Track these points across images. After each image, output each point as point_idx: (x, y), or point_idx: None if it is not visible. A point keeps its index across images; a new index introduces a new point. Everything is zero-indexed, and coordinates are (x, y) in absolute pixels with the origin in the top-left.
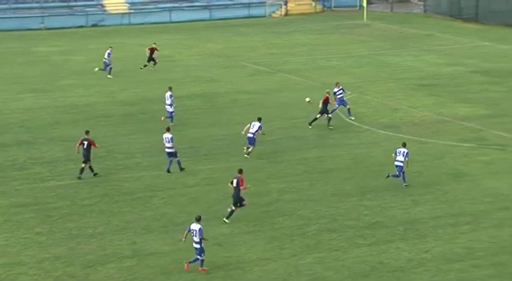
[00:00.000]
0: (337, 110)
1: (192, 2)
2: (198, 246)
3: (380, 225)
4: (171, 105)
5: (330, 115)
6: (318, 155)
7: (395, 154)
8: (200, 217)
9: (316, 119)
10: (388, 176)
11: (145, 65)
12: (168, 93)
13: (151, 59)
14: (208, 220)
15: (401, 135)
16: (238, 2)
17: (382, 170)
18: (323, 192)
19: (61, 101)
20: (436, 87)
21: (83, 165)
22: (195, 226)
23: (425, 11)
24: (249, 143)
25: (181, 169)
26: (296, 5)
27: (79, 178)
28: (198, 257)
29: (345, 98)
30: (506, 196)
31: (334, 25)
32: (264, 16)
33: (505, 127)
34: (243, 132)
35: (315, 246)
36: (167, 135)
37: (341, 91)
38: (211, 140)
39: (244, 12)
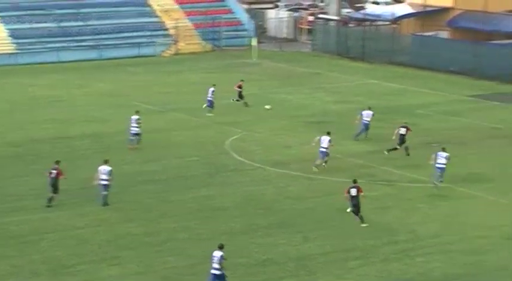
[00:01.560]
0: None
1: (80, 42)
2: (217, 273)
3: (271, 262)
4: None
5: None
6: (208, 193)
7: (437, 157)
8: (223, 245)
9: (396, 149)
10: (435, 184)
11: (237, 100)
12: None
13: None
14: (98, 261)
15: (292, 172)
16: (128, 41)
17: (272, 207)
18: (214, 231)
19: None
20: (326, 124)
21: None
22: (217, 253)
23: (313, 49)
24: (322, 157)
25: (105, 205)
26: (186, 44)
27: (48, 206)
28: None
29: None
30: (394, 230)
31: (225, 64)
32: (154, 55)
33: (393, 163)
34: (313, 144)
35: None
36: (105, 167)
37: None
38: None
39: (134, 51)
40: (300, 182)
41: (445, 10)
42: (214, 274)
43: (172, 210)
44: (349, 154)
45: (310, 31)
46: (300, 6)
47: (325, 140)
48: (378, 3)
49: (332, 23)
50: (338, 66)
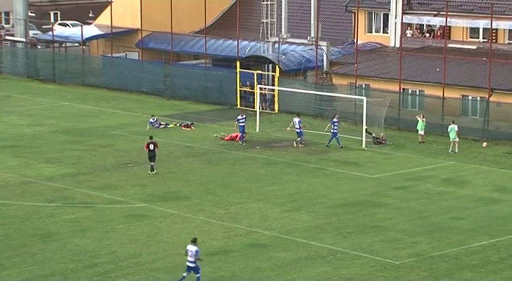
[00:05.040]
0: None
1: None
2: (193, 265)
3: None
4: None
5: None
6: None
7: (293, 123)
8: (196, 239)
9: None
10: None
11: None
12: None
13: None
14: None
15: None
16: None
17: None
18: None
19: None
20: (19, 148)
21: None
22: (192, 248)
23: (1, 72)
24: (299, 136)
25: None
26: None
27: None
28: (197, 275)
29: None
30: (93, 252)
31: None
32: None
33: (89, 185)
34: (288, 129)
35: None
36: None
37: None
38: None
39: None
40: None
41: (133, 31)
42: (190, 266)
43: None
44: (44, 178)
45: None
46: None
47: (296, 121)
48: (66, 25)
49: (20, 45)
50: (29, 89)
